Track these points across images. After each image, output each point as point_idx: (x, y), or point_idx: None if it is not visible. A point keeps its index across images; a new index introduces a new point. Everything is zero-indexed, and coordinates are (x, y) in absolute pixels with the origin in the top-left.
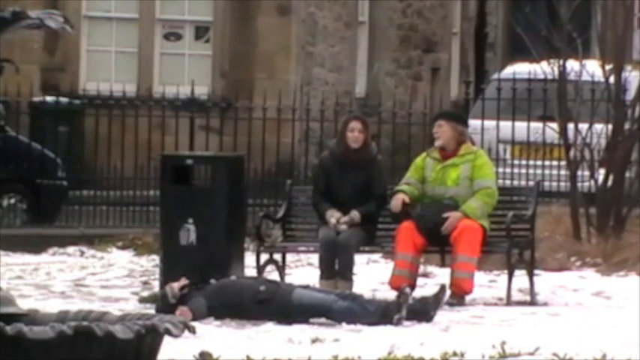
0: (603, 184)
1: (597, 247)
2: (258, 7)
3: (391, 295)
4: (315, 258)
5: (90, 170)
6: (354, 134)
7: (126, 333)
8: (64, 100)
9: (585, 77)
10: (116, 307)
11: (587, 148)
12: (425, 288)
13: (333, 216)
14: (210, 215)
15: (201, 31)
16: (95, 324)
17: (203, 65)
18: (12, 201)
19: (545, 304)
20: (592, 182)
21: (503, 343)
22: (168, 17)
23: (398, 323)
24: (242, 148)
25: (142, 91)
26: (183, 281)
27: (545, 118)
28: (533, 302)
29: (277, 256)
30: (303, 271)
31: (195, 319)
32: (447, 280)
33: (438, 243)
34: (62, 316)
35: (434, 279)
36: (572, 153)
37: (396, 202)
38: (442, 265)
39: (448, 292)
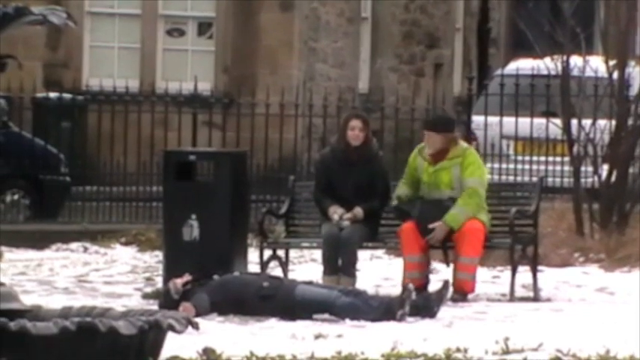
0: (606, 180)
1: (600, 242)
2: (260, 3)
3: (394, 291)
4: (318, 254)
5: (93, 166)
6: (355, 132)
7: (129, 329)
8: (66, 95)
9: (588, 73)
10: (119, 303)
11: (590, 144)
12: (428, 284)
13: (335, 212)
14: (213, 211)
15: (204, 27)
16: (98, 320)
17: (206, 61)
18: (15, 197)
19: (548, 299)
20: (595, 178)
21: (507, 339)
22: (170, 13)
23: (401, 319)
24: (245, 144)
25: (144, 86)
26: (187, 277)
27: (548, 114)
28: (536, 298)
29: (280, 252)
30: (307, 267)
31: (198, 315)
32: (450, 277)
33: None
34: (65, 312)
35: (437, 275)
36: (575, 149)
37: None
38: (446, 262)
39: (451, 289)
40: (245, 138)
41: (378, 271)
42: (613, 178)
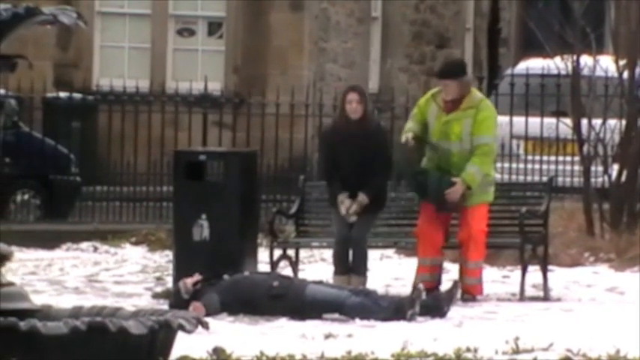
0: (617, 180)
1: (611, 242)
2: (271, 3)
3: (404, 290)
4: (328, 253)
5: (103, 166)
6: (352, 106)
7: (139, 328)
8: (77, 95)
9: (599, 73)
10: (129, 302)
11: (600, 144)
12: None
13: (343, 203)
14: (224, 211)
15: (214, 27)
16: (109, 319)
17: (216, 61)
18: (25, 197)
19: (558, 299)
20: (605, 178)
21: (517, 338)
22: (181, 13)
23: (411, 319)
24: (255, 144)
25: (155, 86)
26: (197, 277)
27: (558, 114)
28: (546, 298)
29: (290, 252)
30: (317, 266)
31: (208, 314)
32: (454, 276)
33: (446, 209)
34: (76, 312)
35: (447, 274)
36: (585, 148)
37: (407, 138)
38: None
39: (460, 291)
40: (255, 138)
41: (389, 271)
42: (623, 178)
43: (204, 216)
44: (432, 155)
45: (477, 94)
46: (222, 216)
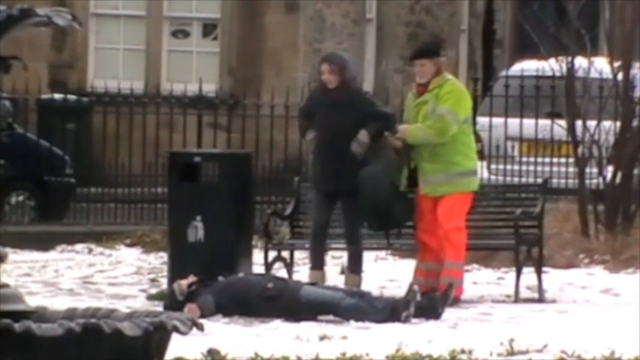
0: (611, 181)
1: (605, 244)
2: (265, 5)
3: (399, 292)
4: None
5: (98, 167)
6: (325, 76)
7: (134, 330)
8: (72, 97)
9: (593, 74)
10: (124, 304)
11: (595, 145)
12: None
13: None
14: (218, 212)
15: (208, 29)
16: (103, 321)
17: (211, 62)
18: (20, 198)
19: (553, 301)
20: (600, 179)
21: (512, 340)
22: (175, 14)
23: (406, 320)
24: (250, 146)
25: (149, 88)
26: (191, 278)
27: (553, 115)
28: (541, 299)
29: (285, 254)
30: None
31: (203, 316)
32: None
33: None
34: (70, 314)
35: None
36: (580, 150)
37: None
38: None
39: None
40: (250, 139)
41: (383, 273)
42: (618, 180)
43: (198, 217)
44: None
45: (446, 76)
46: (217, 217)
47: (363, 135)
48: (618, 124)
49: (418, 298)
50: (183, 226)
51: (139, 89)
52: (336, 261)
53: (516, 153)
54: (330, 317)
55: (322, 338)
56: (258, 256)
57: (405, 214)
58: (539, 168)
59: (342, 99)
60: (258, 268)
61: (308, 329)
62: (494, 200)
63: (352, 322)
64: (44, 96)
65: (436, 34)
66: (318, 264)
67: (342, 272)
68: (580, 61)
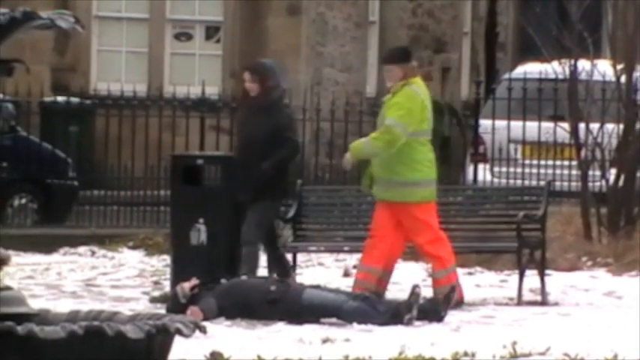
0: (614, 184)
1: (608, 246)
2: (268, 8)
3: (402, 295)
4: (325, 258)
5: (100, 170)
6: (247, 85)
7: (137, 333)
8: (74, 100)
9: (596, 77)
10: (127, 307)
11: (598, 148)
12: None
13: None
14: (221, 215)
15: (211, 31)
16: (106, 324)
17: (213, 65)
18: (23, 201)
19: (556, 304)
20: (603, 182)
21: (514, 343)
22: (178, 17)
23: (409, 323)
24: None
25: (152, 91)
26: (194, 281)
27: (556, 118)
28: (544, 302)
29: (288, 256)
30: (314, 271)
31: (205, 319)
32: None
33: None
34: (73, 316)
35: None
36: (583, 153)
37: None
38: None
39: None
40: None
41: None
42: (621, 182)
43: (201, 220)
44: None
45: (408, 83)
46: (220, 220)
47: (265, 165)
48: (621, 126)
49: (421, 300)
50: (185, 229)
51: (142, 92)
52: (339, 263)
53: (519, 156)
54: (333, 320)
55: (325, 341)
56: (260, 259)
57: None
58: (542, 171)
59: (261, 107)
60: (260, 270)
61: (311, 332)
62: (497, 203)
63: (355, 325)
64: (47, 99)
65: (438, 36)
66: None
67: (346, 274)
68: (583, 64)
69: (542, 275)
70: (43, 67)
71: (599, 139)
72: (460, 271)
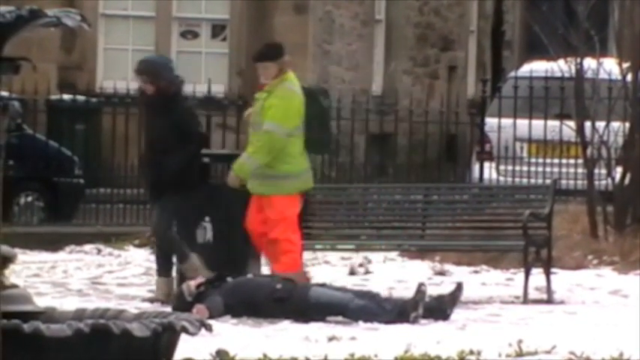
0: (620, 182)
1: (614, 245)
2: (274, 6)
3: (408, 293)
4: (331, 256)
5: (107, 168)
6: (143, 85)
7: (143, 331)
8: (81, 98)
9: (602, 75)
10: (133, 305)
11: (604, 146)
12: (441, 286)
13: None
14: (227, 213)
15: (217, 30)
16: (112, 322)
17: (220, 63)
18: (29, 199)
19: (562, 302)
20: (609, 180)
21: (520, 341)
22: (185, 15)
23: (414, 321)
24: None
25: None
26: (200, 279)
27: (562, 116)
28: (550, 301)
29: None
30: (320, 269)
31: (211, 317)
32: (462, 279)
33: None
34: (79, 314)
35: (451, 277)
36: (589, 151)
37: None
38: None
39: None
40: None
41: (392, 274)
42: (627, 181)
43: (207, 218)
44: None
45: (284, 80)
46: (226, 218)
47: (170, 163)
48: (627, 125)
49: (427, 298)
50: (192, 227)
51: None
52: (345, 262)
53: (525, 154)
54: (339, 318)
55: (331, 339)
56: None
57: None
58: (548, 169)
59: (159, 106)
60: (266, 269)
61: (317, 330)
62: (503, 201)
63: (361, 323)
64: (53, 97)
65: (445, 35)
66: (160, 270)
67: (352, 273)
68: (589, 62)
69: (548, 274)
70: (50, 65)
71: (605, 138)
72: (466, 269)
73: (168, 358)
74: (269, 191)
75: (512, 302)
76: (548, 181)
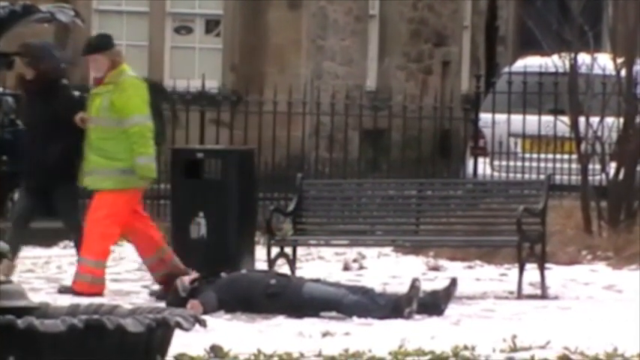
0: (614, 178)
1: (608, 240)
2: (268, 1)
3: (402, 288)
4: (326, 251)
5: None
6: (23, 69)
7: (137, 326)
8: (75, 93)
9: (596, 71)
10: (127, 300)
11: (598, 142)
12: (435, 281)
13: None
14: (221, 209)
15: (211, 25)
16: (106, 317)
17: (214, 59)
18: None
19: (556, 297)
20: (603, 176)
21: (514, 336)
22: (178, 11)
23: (409, 317)
24: (253, 142)
25: None
26: (194, 275)
27: (556, 112)
28: (544, 296)
29: (288, 250)
30: (314, 264)
31: (205, 312)
32: (456, 274)
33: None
34: (73, 310)
35: (445, 273)
36: (583, 146)
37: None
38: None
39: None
40: (253, 136)
41: (386, 269)
42: (621, 176)
43: (201, 214)
44: None
45: (123, 70)
46: (220, 214)
47: (51, 151)
48: (621, 120)
49: (421, 294)
50: (186, 223)
51: None
52: (338, 257)
53: (519, 149)
54: (333, 314)
55: (325, 334)
56: (260, 253)
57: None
58: (542, 164)
59: (39, 91)
60: (261, 264)
61: (311, 326)
62: (497, 197)
63: (355, 319)
64: None
65: (438, 30)
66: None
67: (346, 268)
68: (583, 58)
69: (542, 269)
70: None
71: (599, 133)
72: (460, 264)
73: (162, 354)
74: (112, 186)
75: (507, 297)
76: (542, 177)
